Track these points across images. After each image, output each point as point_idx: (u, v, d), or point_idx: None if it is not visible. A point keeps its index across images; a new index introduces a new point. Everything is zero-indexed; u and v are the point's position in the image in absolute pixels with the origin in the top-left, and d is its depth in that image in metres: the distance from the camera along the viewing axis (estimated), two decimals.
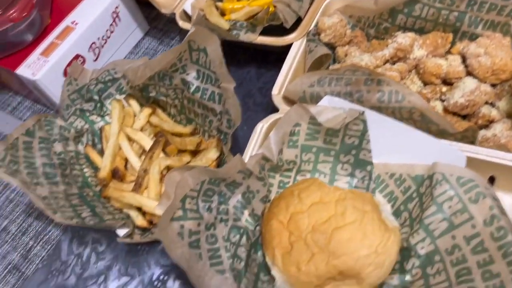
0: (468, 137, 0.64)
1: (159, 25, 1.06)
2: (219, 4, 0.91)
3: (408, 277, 0.56)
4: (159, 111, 0.84)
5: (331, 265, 0.54)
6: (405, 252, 0.57)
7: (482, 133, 0.67)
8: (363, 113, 0.62)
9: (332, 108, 0.63)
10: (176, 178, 0.60)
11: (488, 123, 0.69)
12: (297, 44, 0.79)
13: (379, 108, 0.65)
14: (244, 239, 0.61)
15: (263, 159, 0.63)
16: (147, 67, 0.75)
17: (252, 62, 0.92)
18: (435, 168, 0.57)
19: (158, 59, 0.73)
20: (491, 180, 0.63)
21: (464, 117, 0.71)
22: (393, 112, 0.65)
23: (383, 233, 0.56)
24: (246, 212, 0.64)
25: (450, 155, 0.60)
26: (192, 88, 0.74)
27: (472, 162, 0.60)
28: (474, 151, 0.61)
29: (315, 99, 0.69)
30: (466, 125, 0.67)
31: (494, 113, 0.68)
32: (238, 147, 0.76)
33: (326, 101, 0.65)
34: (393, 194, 0.64)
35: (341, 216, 0.57)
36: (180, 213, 0.59)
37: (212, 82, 0.72)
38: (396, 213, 0.63)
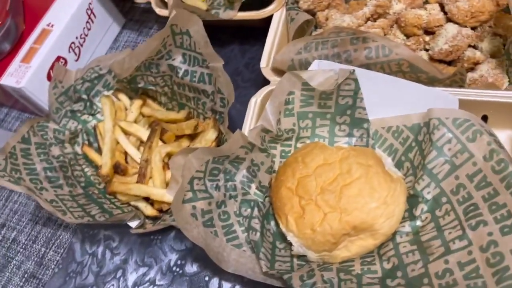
0: (457, 81, 0.66)
1: (134, 16, 1.05)
2: None
3: (418, 222, 0.58)
4: (149, 101, 0.84)
5: (344, 222, 0.56)
6: (413, 199, 0.59)
7: (470, 75, 0.69)
8: (353, 71, 0.63)
9: (322, 71, 0.64)
10: (180, 161, 0.61)
11: (474, 66, 0.70)
12: (278, 14, 0.79)
13: (367, 65, 0.66)
14: (256, 211, 0.63)
15: (263, 131, 0.64)
16: (132, 57, 0.74)
17: (235, 40, 0.93)
18: (430, 114, 0.59)
19: (143, 47, 0.73)
20: (484, 119, 0.65)
21: (449, 63, 0.73)
22: (382, 67, 0.66)
23: (389, 184, 0.57)
24: (253, 186, 0.65)
25: (443, 100, 0.61)
26: (181, 73, 0.74)
27: (464, 104, 0.62)
28: (465, 93, 0.63)
29: (304, 65, 0.70)
30: (453, 71, 0.69)
31: (478, 54, 0.70)
32: (233, 125, 0.77)
33: (315, 65, 0.66)
34: (392, 146, 0.65)
35: (347, 174, 0.58)
36: (190, 195, 0.60)
37: (199, 63, 0.73)
38: (398, 165, 0.64)
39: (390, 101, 0.65)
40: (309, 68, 0.66)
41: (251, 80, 0.87)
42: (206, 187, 0.62)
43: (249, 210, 0.63)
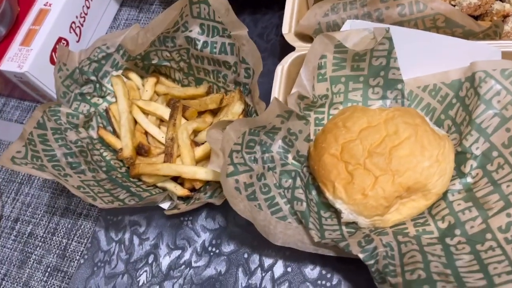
0: (490, 34, 0.64)
1: None
2: None
3: (469, 179, 0.56)
4: (162, 79, 0.80)
5: (397, 183, 0.54)
6: (460, 156, 0.58)
7: None
8: (388, 29, 0.60)
9: (356, 31, 0.61)
10: (216, 135, 0.58)
11: (503, 18, 0.69)
12: None
13: (401, 23, 0.64)
14: (298, 180, 0.60)
15: (299, 97, 0.61)
16: (148, 31, 0.70)
17: (244, 10, 0.89)
18: (475, 67, 0.57)
19: (159, 20, 0.68)
20: None
21: (476, 18, 0.71)
22: (415, 24, 0.64)
23: (439, 141, 0.55)
24: (290, 156, 0.63)
25: (484, 53, 0.59)
26: (199, 45, 0.70)
27: (503, 57, 0.60)
28: (505, 45, 0.61)
29: (332, 28, 0.67)
30: (484, 24, 0.67)
31: (507, 7, 0.68)
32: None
33: (348, 25, 0.63)
34: (430, 106, 0.63)
35: (395, 135, 0.56)
36: (231, 168, 0.57)
37: (219, 33, 0.69)
38: (437, 124, 0.63)
39: (425, 58, 0.63)
40: (342, 29, 0.64)
41: (267, 50, 0.84)
42: (244, 160, 0.59)
43: (290, 180, 0.61)
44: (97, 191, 0.64)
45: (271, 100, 0.60)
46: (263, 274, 0.65)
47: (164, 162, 0.68)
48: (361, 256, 0.51)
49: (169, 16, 0.67)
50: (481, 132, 0.56)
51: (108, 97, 0.81)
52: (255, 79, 0.66)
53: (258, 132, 0.60)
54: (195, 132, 0.70)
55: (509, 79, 0.54)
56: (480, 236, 0.51)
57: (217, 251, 0.68)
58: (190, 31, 0.70)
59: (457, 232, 0.53)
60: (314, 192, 0.63)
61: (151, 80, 0.78)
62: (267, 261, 0.66)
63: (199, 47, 0.71)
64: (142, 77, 0.81)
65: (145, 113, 0.74)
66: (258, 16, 0.88)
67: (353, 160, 0.56)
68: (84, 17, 0.88)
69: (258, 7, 0.88)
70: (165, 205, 0.66)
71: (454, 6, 0.71)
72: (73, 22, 0.86)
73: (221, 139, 0.56)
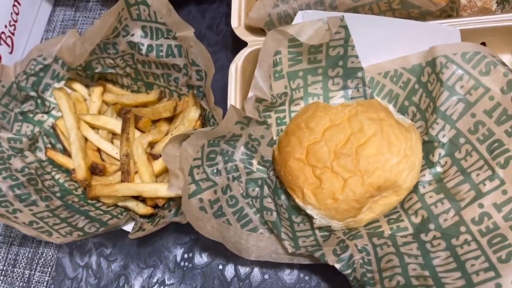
0: (447, 10, 0.61)
1: None
2: None
3: (439, 169, 0.55)
4: (110, 86, 0.74)
5: (368, 184, 0.52)
6: (428, 145, 0.56)
7: None
8: (343, 18, 0.57)
9: (310, 23, 0.57)
10: (172, 152, 0.54)
11: None
12: None
13: (355, 9, 0.60)
14: (265, 189, 0.58)
15: (257, 101, 0.57)
16: (85, 41, 0.64)
17: (189, 0, 0.83)
18: (435, 52, 0.54)
19: (96, 28, 0.62)
20: None
21: None
22: (370, 8, 0.60)
23: (405, 135, 0.53)
24: (255, 162, 0.60)
25: (442, 34, 0.57)
26: (144, 49, 0.65)
27: (462, 35, 0.58)
28: (463, 22, 0.58)
29: (284, 19, 0.63)
30: (440, 0, 0.64)
31: None
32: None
33: (300, 17, 0.59)
34: (392, 92, 0.61)
35: (360, 132, 0.53)
36: (193, 187, 0.53)
37: (164, 35, 0.63)
38: (402, 111, 0.61)
39: (384, 44, 0.60)
40: (294, 22, 0.60)
41: (219, 43, 0.79)
42: (206, 174, 0.55)
43: (257, 189, 0.58)
44: (53, 223, 0.59)
45: (228, 107, 0.56)
46: (241, 284, 0.63)
47: (122, 181, 0.63)
48: (337, 266, 0.49)
49: (106, 23, 0.61)
50: (447, 119, 0.54)
51: (53, 112, 0.75)
52: (208, 83, 0.61)
53: (218, 142, 0.56)
54: (151, 144, 0.66)
55: (470, 63, 0.52)
56: (455, 230, 0.50)
57: (190, 265, 0.66)
58: (132, 35, 0.65)
59: (431, 226, 0.52)
60: (283, 197, 0.60)
61: (98, 90, 0.72)
62: (243, 270, 0.64)
63: (143, 51, 0.65)
64: (87, 86, 0.75)
65: (95, 128, 0.69)
66: (205, 6, 0.82)
67: (320, 164, 0.54)
68: (14, 25, 0.80)
69: None
70: (129, 227, 0.62)
71: None
72: (3, 33, 0.77)
73: (179, 156, 0.52)
